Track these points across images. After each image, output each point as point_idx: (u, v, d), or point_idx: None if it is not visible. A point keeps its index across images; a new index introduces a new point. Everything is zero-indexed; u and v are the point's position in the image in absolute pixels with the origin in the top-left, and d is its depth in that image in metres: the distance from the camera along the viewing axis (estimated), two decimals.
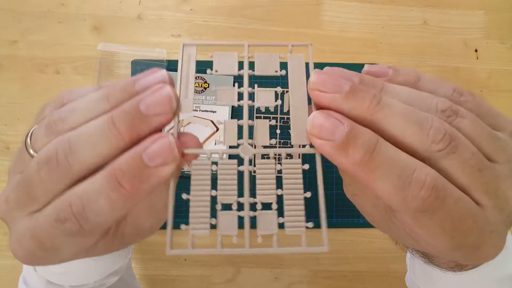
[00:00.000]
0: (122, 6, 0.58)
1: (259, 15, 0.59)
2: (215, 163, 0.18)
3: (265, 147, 0.19)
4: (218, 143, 0.20)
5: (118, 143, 0.16)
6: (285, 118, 0.53)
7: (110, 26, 0.57)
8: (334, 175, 0.54)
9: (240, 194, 0.18)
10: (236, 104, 0.19)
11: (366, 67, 0.20)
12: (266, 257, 0.54)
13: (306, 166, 0.18)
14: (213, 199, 0.17)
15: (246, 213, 0.17)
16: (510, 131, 0.19)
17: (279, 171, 0.18)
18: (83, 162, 0.16)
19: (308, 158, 0.19)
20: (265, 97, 0.20)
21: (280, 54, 0.20)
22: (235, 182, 0.18)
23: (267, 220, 0.18)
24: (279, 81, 0.54)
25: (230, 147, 0.19)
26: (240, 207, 0.18)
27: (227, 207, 0.17)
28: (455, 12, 0.61)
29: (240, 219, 0.17)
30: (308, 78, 0.19)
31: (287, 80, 0.20)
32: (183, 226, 0.17)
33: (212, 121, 0.53)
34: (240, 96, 0.20)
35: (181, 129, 0.52)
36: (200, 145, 0.18)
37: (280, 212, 0.18)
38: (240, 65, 0.20)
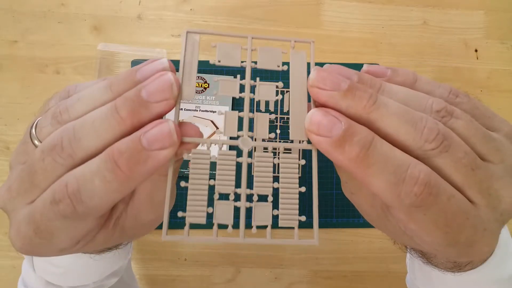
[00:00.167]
0: (122, 6, 0.58)
1: (259, 15, 0.59)
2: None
3: (264, 140, 0.19)
4: (218, 133, 0.20)
5: (120, 128, 0.16)
6: (285, 118, 0.53)
7: (110, 26, 0.57)
8: (334, 175, 0.54)
9: (238, 185, 0.18)
10: (237, 95, 0.20)
11: (365, 67, 0.21)
12: (266, 257, 0.54)
13: (303, 162, 0.19)
14: (211, 189, 0.18)
15: (243, 204, 0.18)
16: (506, 132, 0.19)
17: (277, 165, 0.19)
18: (86, 148, 0.17)
19: (306, 154, 0.19)
20: (266, 91, 0.20)
21: (283, 49, 0.20)
22: (233, 173, 0.18)
23: (263, 211, 0.18)
24: (280, 76, 0.54)
25: (230, 138, 0.19)
26: (237, 197, 0.18)
27: (224, 197, 0.18)
28: (455, 12, 0.61)
29: (236, 210, 0.18)
30: (309, 74, 0.19)
31: (288, 75, 0.20)
32: (180, 213, 0.17)
33: (212, 121, 0.53)
34: (241, 89, 0.20)
35: None
36: (200, 135, 0.18)
37: (275, 205, 0.18)
38: (243, 58, 0.20)
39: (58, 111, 0.18)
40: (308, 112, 0.18)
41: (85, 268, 0.32)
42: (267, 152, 0.19)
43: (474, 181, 0.17)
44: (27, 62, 0.55)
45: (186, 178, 0.51)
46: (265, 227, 0.18)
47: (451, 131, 0.17)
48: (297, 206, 0.18)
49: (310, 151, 0.19)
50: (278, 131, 0.52)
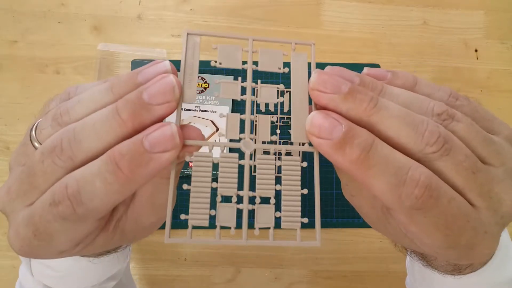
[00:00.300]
0: (122, 6, 0.58)
1: (259, 15, 0.59)
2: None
3: (265, 142, 0.19)
4: (220, 136, 0.20)
5: (121, 130, 0.16)
6: (285, 118, 0.53)
7: (110, 26, 0.57)
8: (334, 176, 0.54)
9: (240, 187, 0.18)
10: (239, 98, 0.19)
11: (365, 70, 0.21)
12: (266, 257, 0.54)
13: (304, 164, 0.19)
14: (213, 191, 0.18)
15: (245, 206, 0.18)
16: (506, 135, 0.19)
17: (279, 167, 0.19)
18: (87, 150, 0.16)
19: (307, 156, 0.19)
20: (267, 93, 0.20)
21: (284, 51, 0.20)
22: (236, 175, 0.18)
23: (265, 213, 0.18)
24: (279, 77, 0.54)
25: (232, 140, 0.19)
26: (239, 200, 0.18)
27: (226, 199, 0.18)
28: (455, 12, 0.61)
29: (239, 212, 0.18)
30: (310, 77, 0.19)
31: (289, 78, 0.20)
32: (182, 216, 0.17)
33: (212, 121, 0.53)
34: (243, 91, 0.20)
35: None
36: (202, 137, 0.18)
37: (277, 207, 0.18)
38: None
39: (59, 113, 0.18)
40: (309, 114, 0.18)
41: (84, 271, 0.32)
42: (269, 154, 0.19)
43: (475, 184, 0.17)
44: (27, 62, 0.55)
45: (185, 178, 0.51)
46: (267, 228, 0.18)
47: (452, 134, 0.17)
48: (300, 208, 0.18)
49: (310, 153, 0.19)
50: (278, 131, 0.52)
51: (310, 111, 0.19)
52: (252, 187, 0.18)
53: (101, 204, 0.16)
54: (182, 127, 0.18)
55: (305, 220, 0.18)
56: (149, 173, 0.16)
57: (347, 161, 0.17)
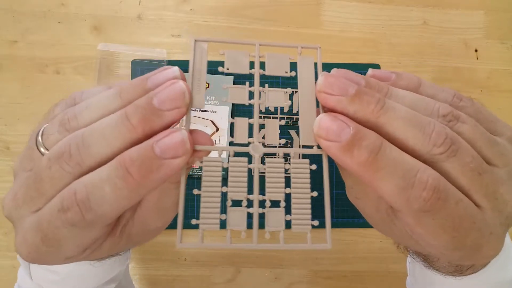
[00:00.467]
0: (122, 6, 0.58)
1: (259, 15, 0.59)
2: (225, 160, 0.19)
3: (273, 146, 0.20)
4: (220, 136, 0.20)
5: (130, 135, 0.16)
6: (286, 118, 0.53)
7: (110, 26, 0.57)
8: (334, 175, 0.54)
9: (250, 191, 0.18)
10: (247, 103, 0.20)
11: (370, 71, 0.21)
12: (266, 257, 0.54)
13: (314, 166, 0.19)
14: (223, 196, 0.18)
15: (255, 210, 0.18)
16: (509, 137, 0.19)
17: (287, 170, 0.19)
18: (95, 156, 0.16)
19: (315, 159, 0.20)
20: (275, 97, 0.20)
21: (290, 55, 0.21)
22: (245, 179, 0.18)
23: (275, 217, 0.18)
24: (279, 79, 0.54)
25: (241, 145, 0.19)
26: (249, 204, 0.18)
27: (236, 203, 0.18)
28: (455, 12, 0.61)
29: (249, 216, 0.18)
30: (316, 80, 0.19)
31: (294, 79, 0.20)
32: (193, 221, 0.17)
33: (212, 121, 0.53)
34: (250, 95, 0.20)
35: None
36: (211, 142, 0.18)
37: (287, 210, 0.18)
38: (250, 64, 0.20)
39: (66, 119, 0.18)
40: (317, 117, 0.18)
41: (85, 274, 0.32)
42: (278, 157, 0.19)
43: (481, 185, 0.17)
44: (27, 62, 0.55)
45: (189, 178, 0.51)
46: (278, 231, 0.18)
47: (458, 136, 0.17)
48: (310, 211, 0.18)
49: (317, 155, 0.19)
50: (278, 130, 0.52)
51: (317, 114, 0.19)
52: (262, 191, 0.18)
53: (110, 210, 0.16)
54: (191, 132, 0.18)
55: (316, 222, 0.18)
56: (160, 179, 0.16)
57: (355, 163, 0.17)
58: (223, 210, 0.18)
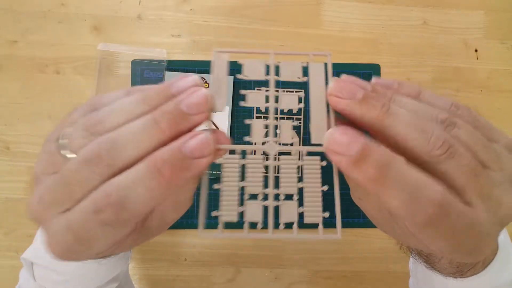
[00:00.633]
0: (122, 6, 0.58)
1: (259, 15, 0.59)
2: (244, 157, 0.21)
3: (287, 144, 0.21)
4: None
5: (159, 137, 0.18)
6: (285, 118, 0.53)
7: (110, 26, 0.57)
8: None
9: (265, 186, 0.20)
10: (263, 106, 0.22)
11: (374, 80, 0.22)
12: (266, 257, 0.54)
13: (324, 163, 0.21)
14: (241, 190, 0.20)
15: (271, 203, 0.20)
16: (504, 143, 0.20)
17: (300, 166, 0.21)
18: (125, 158, 0.17)
19: (325, 156, 0.21)
20: (289, 100, 0.22)
21: (302, 62, 0.23)
22: (261, 175, 0.20)
23: (289, 209, 0.20)
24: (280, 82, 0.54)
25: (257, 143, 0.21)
26: (265, 197, 0.20)
27: (253, 197, 0.20)
28: (455, 12, 0.61)
29: (265, 208, 0.20)
30: (327, 84, 0.21)
31: (308, 85, 0.22)
32: (214, 213, 0.19)
33: (212, 121, 0.53)
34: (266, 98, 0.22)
35: None
36: (229, 141, 0.20)
37: (300, 203, 0.20)
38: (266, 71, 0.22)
39: (91, 123, 0.19)
40: (327, 122, 0.20)
41: (88, 273, 0.32)
42: (291, 155, 0.21)
43: (476, 186, 0.18)
44: (27, 62, 0.55)
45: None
46: (291, 226, 0.20)
47: (456, 140, 0.19)
48: (321, 204, 0.20)
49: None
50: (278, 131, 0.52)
51: (328, 120, 0.21)
52: (276, 185, 0.20)
53: (143, 209, 0.17)
54: (212, 132, 0.19)
55: (326, 214, 0.20)
56: (188, 177, 0.18)
57: (363, 178, 0.17)
58: (241, 203, 0.20)
